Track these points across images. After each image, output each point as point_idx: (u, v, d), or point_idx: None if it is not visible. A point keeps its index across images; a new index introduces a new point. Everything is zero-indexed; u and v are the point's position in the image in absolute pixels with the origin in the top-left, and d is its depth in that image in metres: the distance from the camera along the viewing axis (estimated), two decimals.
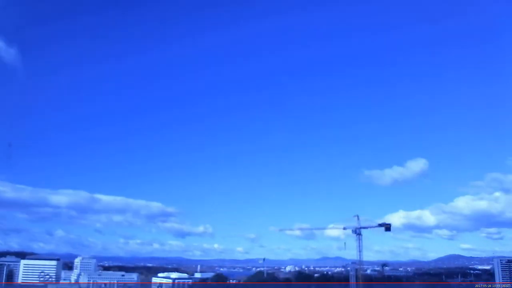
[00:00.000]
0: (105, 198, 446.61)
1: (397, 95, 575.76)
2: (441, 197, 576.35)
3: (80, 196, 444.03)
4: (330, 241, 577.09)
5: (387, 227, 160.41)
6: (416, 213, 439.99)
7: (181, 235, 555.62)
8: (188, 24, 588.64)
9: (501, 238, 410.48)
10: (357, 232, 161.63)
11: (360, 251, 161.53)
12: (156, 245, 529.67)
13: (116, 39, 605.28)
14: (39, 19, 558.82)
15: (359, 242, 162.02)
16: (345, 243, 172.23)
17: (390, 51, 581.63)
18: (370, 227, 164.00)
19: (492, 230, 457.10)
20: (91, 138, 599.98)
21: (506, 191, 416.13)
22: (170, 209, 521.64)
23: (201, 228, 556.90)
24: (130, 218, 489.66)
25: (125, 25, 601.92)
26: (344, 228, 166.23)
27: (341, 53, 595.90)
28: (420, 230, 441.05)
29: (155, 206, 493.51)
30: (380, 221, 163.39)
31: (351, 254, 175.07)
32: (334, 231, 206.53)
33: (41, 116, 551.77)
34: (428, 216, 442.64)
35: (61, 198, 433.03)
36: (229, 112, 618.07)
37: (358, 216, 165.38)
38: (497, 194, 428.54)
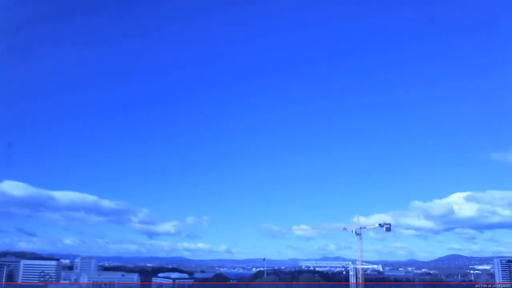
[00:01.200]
0: (54, 194, 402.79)
1: (398, 89, 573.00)
2: (398, 201, 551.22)
3: (27, 190, 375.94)
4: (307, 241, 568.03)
5: (387, 227, 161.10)
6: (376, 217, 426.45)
7: (149, 234, 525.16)
8: (186, 24, 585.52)
9: (473, 238, 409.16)
10: (357, 232, 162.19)
11: (360, 251, 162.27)
12: (139, 245, 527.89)
13: (114, 39, 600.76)
14: (39, 19, 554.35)
15: (359, 242, 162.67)
16: (344, 243, 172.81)
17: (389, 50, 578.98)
18: (370, 227, 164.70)
19: (459, 230, 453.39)
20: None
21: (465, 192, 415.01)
22: (129, 207, 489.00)
23: (167, 227, 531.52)
24: (86, 216, 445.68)
25: (123, 26, 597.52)
26: (344, 229, 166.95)
27: (341, 52, 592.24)
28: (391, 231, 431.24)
29: (111, 203, 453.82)
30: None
31: (350, 254, 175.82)
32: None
33: None
34: (389, 219, 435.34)
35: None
36: (213, 112, 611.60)
37: (358, 216, 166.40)
38: (459, 194, 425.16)
